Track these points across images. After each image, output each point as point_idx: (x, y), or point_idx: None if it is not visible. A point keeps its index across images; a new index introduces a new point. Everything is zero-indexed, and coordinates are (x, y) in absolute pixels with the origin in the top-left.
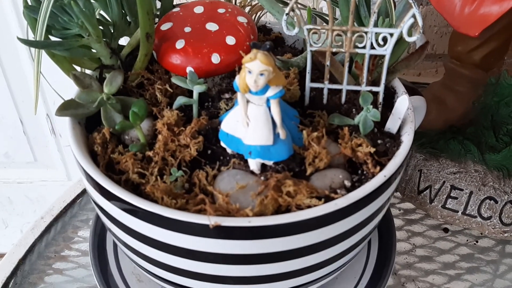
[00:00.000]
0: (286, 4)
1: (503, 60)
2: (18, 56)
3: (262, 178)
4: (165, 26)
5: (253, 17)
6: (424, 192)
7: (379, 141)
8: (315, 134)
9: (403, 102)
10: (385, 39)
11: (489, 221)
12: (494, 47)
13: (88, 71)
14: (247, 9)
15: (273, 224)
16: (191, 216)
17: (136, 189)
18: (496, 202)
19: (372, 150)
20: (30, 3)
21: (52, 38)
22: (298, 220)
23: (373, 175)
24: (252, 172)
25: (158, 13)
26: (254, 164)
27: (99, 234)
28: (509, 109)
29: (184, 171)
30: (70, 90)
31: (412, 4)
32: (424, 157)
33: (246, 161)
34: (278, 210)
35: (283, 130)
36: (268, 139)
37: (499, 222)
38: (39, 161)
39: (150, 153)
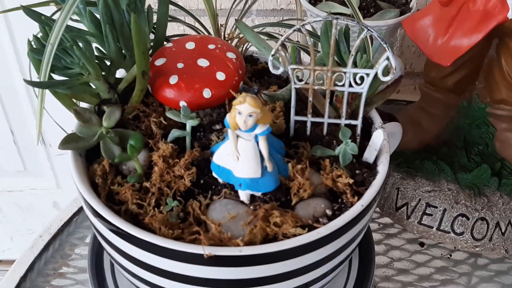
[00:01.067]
0: (272, 37)
1: (474, 85)
2: (8, 67)
3: (251, 208)
4: (159, 62)
5: (240, 48)
6: (402, 209)
7: (357, 171)
8: (299, 166)
9: (379, 135)
10: (362, 78)
11: (461, 236)
12: (466, 73)
13: (85, 104)
14: (235, 41)
15: (262, 253)
16: (187, 246)
17: (135, 218)
18: (468, 218)
19: (351, 181)
20: (34, 46)
21: (54, 76)
22: (285, 248)
23: (352, 204)
24: (242, 202)
25: (152, 44)
26: (244, 195)
27: (97, 252)
28: (480, 131)
29: (179, 200)
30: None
31: (386, 48)
32: (401, 176)
33: (236, 191)
34: (266, 238)
35: (270, 163)
36: (256, 172)
37: (471, 237)
38: (29, 170)
39: (147, 184)
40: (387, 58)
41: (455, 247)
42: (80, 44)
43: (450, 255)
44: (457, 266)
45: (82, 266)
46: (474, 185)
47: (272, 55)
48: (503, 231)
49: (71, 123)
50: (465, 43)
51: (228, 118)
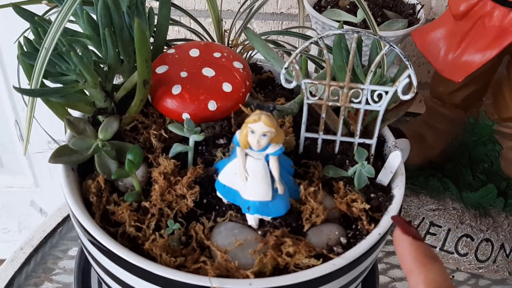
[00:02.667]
0: (278, 45)
1: (481, 101)
2: None
3: (260, 232)
4: (160, 69)
5: (244, 55)
6: None
7: (372, 195)
8: (311, 188)
9: (396, 157)
10: (380, 96)
11: (465, 257)
12: (474, 89)
13: (78, 113)
14: (239, 48)
15: (274, 287)
16: (192, 277)
17: (132, 241)
18: (473, 239)
19: (367, 207)
20: (26, 49)
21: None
22: (299, 281)
23: (368, 232)
24: (250, 226)
25: (151, 48)
26: (252, 219)
27: (83, 269)
28: (486, 148)
29: (180, 222)
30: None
31: (408, 66)
32: (405, 193)
33: (242, 213)
34: (276, 267)
35: (282, 185)
36: (267, 195)
37: (475, 258)
38: (5, 167)
39: (147, 204)
40: (409, 76)
41: (457, 268)
42: (77, 49)
43: (453, 276)
44: (459, 286)
45: (66, 282)
46: (479, 204)
47: (285, 69)
48: (507, 253)
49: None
50: (477, 59)
51: (238, 135)
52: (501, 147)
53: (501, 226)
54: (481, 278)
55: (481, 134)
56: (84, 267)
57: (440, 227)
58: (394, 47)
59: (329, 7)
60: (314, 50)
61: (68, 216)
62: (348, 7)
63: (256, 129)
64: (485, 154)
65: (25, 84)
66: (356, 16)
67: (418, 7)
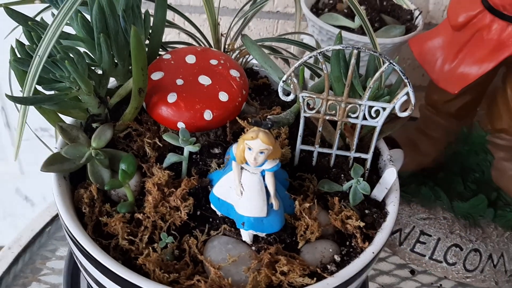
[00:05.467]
0: (274, 51)
1: (475, 111)
2: None
3: (254, 248)
4: (156, 76)
5: (240, 60)
6: (394, 235)
7: (366, 211)
8: (307, 204)
9: (391, 174)
10: (377, 112)
11: (453, 266)
12: (469, 99)
13: (70, 119)
14: (235, 53)
15: None
16: None
17: (125, 254)
18: (462, 249)
19: (362, 224)
20: (19, 55)
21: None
22: None
23: (361, 250)
24: (244, 241)
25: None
26: (246, 235)
27: (72, 272)
28: (478, 158)
29: (174, 235)
30: None
31: (407, 84)
32: None
33: (236, 227)
34: (269, 285)
35: (277, 201)
36: (261, 211)
37: (463, 268)
38: None
39: (140, 216)
40: (407, 94)
41: (445, 276)
42: (72, 54)
43: (440, 285)
44: None
45: (54, 283)
46: (469, 215)
47: (284, 81)
48: (495, 263)
49: None
50: (474, 71)
51: (235, 150)
52: (493, 157)
53: (490, 237)
54: (468, 287)
55: (474, 144)
56: (73, 270)
57: (430, 236)
58: (394, 65)
59: (326, 10)
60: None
61: (56, 215)
62: (345, 11)
63: (254, 146)
64: (477, 163)
65: (14, 82)
66: (353, 21)
67: (416, 13)
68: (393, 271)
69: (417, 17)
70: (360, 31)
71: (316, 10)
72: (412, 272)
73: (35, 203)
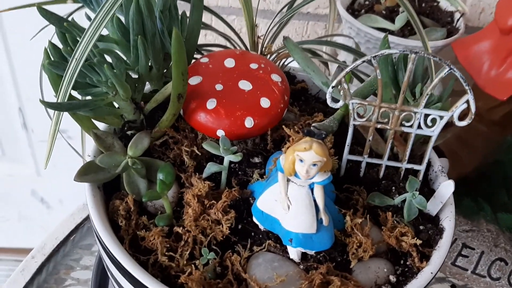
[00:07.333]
0: (315, 54)
1: None
2: None
3: (302, 267)
4: (194, 80)
5: (278, 63)
6: None
7: (421, 227)
8: (358, 220)
9: (448, 187)
10: (433, 121)
11: (498, 282)
12: None
13: (102, 125)
14: (273, 56)
15: None
16: None
17: (164, 271)
18: (507, 264)
19: (419, 242)
20: (53, 58)
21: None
22: None
23: (418, 270)
24: (291, 259)
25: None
26: (294, 253)
27: (100, 283)
28: None
29: (215, 250)
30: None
31: (468, 91)
32: None
33: (281, 242)
34: None
35: (327, 216)
36: (311, 226)
37: (508, 283)
38: (7, 155)
39: (179, 230)
40: (467, 101)
41: None
42: (111, 58)
43: None
44: None
45: None
46: None
47: (333, 87)
48: None
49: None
50: None
51: (283, 161)
52: None
53: None
54: None
55: None
56: (100, 281)
57: (473, 249)
58: (455, 71)
59: (363, 11)
60: (342, 56)
61: (81, 223)
62: (384, 12)
63: (306, 158)
64: None
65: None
66: (393, 23)
67: (457, 15)
68: (432, 285)
69: (458, 20)
70: (400, 33)
71: (352, 11)
72: (453, 286)
73: (51, 205)
